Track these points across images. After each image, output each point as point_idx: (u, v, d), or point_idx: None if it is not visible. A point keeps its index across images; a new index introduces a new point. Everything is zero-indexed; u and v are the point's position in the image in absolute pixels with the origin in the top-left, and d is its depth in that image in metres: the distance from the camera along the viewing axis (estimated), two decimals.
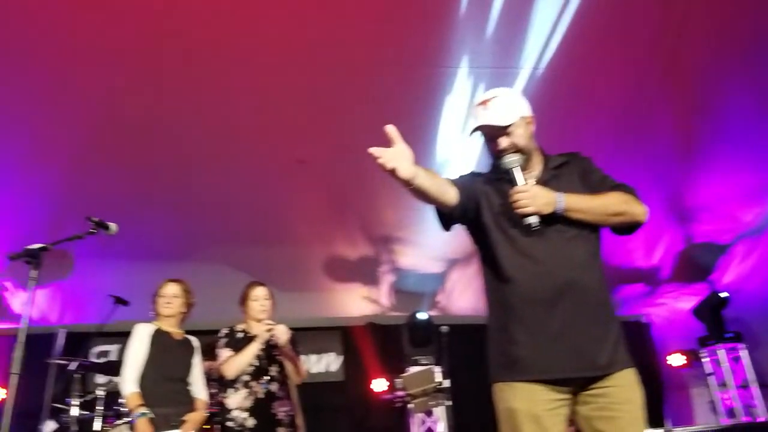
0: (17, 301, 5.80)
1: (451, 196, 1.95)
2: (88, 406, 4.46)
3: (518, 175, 1.99)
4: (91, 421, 4.44)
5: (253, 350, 3.44)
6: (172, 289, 3.64)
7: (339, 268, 6.88)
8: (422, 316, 6.66)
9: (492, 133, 2.04)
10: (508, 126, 2.02)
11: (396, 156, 1.73)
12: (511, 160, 2.00)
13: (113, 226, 3.34)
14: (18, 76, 4.49)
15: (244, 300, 3.67)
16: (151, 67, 4.54)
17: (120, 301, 4.60)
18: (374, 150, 1.71)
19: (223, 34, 4.39)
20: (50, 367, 4.69)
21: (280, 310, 3.75)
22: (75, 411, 4.45)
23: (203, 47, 4.42)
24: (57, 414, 4.60)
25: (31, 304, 3.03)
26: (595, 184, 2.05)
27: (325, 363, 7.15)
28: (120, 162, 5.26)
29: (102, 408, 4.37)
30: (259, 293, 3.65)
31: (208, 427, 3.78)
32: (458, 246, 6.47)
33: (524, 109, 2.09)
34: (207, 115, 4.96)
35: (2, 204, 5.29)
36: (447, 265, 6.95)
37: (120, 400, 4.18)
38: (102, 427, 4.26)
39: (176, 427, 3.34)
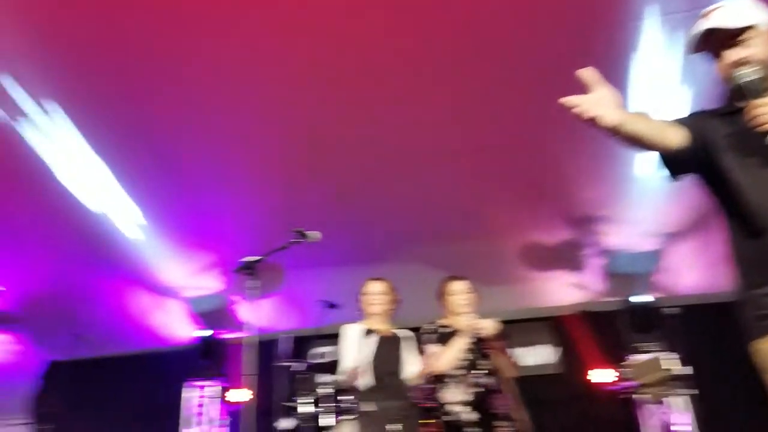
0: (244, 311, 6.47)
1: (675, 138, 1.65)
2: (315, 404, 4.78)
3: (757, 88, 1.58)
4: (317, 417, 4.75)
5: (459, 345, 3.35)
6: (376, 287, 3.71)
7: (540, 257, 6.57)
8: (641, 299, 6.07)
9: (720, 46, 1.67)
10: (741, 33, 1.64)
11: (597, 102, 1.48)
12: (748, 71, 1.59)
13: (314, 234, 3.49)
14: (232, 107, 4.99)
15: (441, 295, 3.62)
16: (339, 82, 4.72)
17: (331, 305, 4.86)
18: (568, 99, 1.48)
19: (394, 39, 4.42)
20: (277, 370, 5.09)
21: (485, 304, 3.63)
22: (304, 409, 4.80)
23: (381, 55, 4.49)
24: (289, 412, 4.99)
25: (254, 312, 3.29)
26: None
27: (539, 355, 6.88)
28: (321, 175, 5.58)
29: (329, 404, 4.63)
30: (459, 287, 3.57)
31: (427, 421, 3.78)
32: (674, 218, 5.79)
33: (764, 18, 1.68)
34: (392, 117, 5.03)
35: (225, 223, 5.94)
36: (663, 241, 6.25)
37: (341, 397, 4.39)
38: (336, 422, 4.50)
39: (396, 422, 3.37)
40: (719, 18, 1.66)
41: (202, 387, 6.43)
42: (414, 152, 5.32)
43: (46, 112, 5.14)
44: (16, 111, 5.10)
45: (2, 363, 7.41)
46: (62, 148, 5.37)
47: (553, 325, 6.88)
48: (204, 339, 6.56)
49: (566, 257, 6.53)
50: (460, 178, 5.59)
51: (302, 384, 4.72)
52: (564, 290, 6.79)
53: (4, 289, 6.66)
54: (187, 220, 6.01)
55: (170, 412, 6.53)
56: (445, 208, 5.84)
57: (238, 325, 6.45)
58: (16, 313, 6.94)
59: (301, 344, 5.53)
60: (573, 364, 6.58)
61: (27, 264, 6.49)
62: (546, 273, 6.71)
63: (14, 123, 5.15)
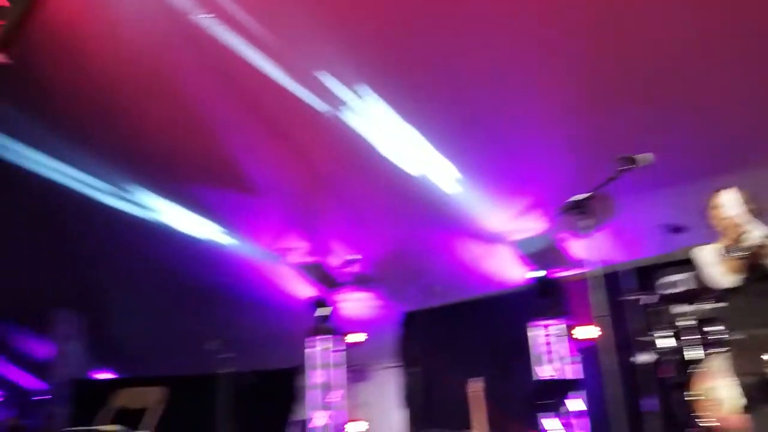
0: (577, 248, 6.29)
1: None
2: (675, 337, 4.40)
3: None
4: (680, 350, 4.36)
5: None
6: (724, 199, 3.16)
7: None
8: None
9: None
10: None
11: None
12: None
13: (645, 157, 3.14)
14: (528, 47, 4.84)
15: None
16: None
17: (675, 228, 4.38)
18: None
19: None
20: (624, 304, 4.82)
21: None
22: (663, 342, 4.45)
23: None
24: (645, 347, 4.70)
25: (589, 248, 3.13)
26: None
27: None
28: (634, 91, 5.04)
29: (693, 336, 4.22)
30: None
31: None
32: None
33: None
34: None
35: (539, 164, 5.81)
36: None
37: (707, 328, 3.95)
38: (705, 355, 4.09)
39: None
40: None
41: (546, 326, 6.52)
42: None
43: (360, 96, 5.70)
44: (336, 102, 5.78)
45: (368, 317, 8.69)
46: (379, 125, 5.91)
47: None
48: (539, 279, 6.62)
49: None
50: None
51: (657, 317, 4.39)
52: None
53: (360, 256, 7.72)
54: (500, 167, 6.07)
55: (519, 352, 6.77)
56: None
57: (571, 263, 6.32)
58: (371, 274, 8.01)
59: (645, 275, 5.11)
60: None
61: (372, 231, 7.40)
62: None
63: (338, 113, 5.84)
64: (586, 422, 5.97)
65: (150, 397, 4.79)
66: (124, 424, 4.68)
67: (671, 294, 4.57)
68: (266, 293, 8.39)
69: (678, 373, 4.33)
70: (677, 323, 4.30)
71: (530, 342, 6.63)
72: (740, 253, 2.90)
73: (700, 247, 3.23)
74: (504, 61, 5.06)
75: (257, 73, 5.58)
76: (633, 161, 3.15)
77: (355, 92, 5.70)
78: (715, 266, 3.08)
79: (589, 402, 6.05)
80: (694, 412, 3.68)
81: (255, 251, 7.86)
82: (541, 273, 6.59)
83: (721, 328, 3.54)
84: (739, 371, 2.95)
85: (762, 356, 2.82)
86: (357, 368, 9.14)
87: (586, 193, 3.20)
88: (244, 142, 6.40)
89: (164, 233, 7.45)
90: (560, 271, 6.53)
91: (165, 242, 7.47)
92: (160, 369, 8.05)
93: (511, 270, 7.01)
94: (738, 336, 3.00)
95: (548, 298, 6.50)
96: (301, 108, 5.81)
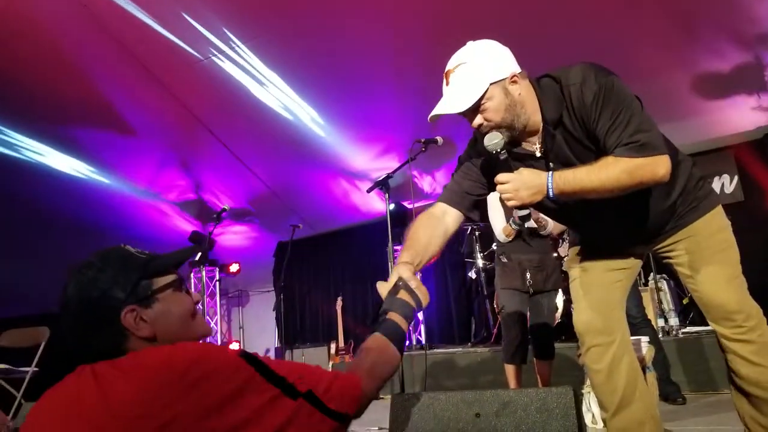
0: (425, 182, 7.30)
1: None
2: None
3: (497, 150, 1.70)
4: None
5: None
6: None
7: (712, 85, 6.23)
8: None
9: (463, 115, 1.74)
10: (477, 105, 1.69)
11: None
12: (488, 141, 1.71)
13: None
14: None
15: None
16: None
17: None
18: None
19: None
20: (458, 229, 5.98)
21: None
22: (481, 262, 5.69)
23: None
24: (472, 265, 5.91)
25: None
26: (603, 144, 1.66)
27: (718, 185, 6.76)
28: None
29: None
30: None
31: None
32: None
33: (491, 74, 1.68)
34: None
35: (396, 109, 6.57)
36: None
37: None
38: None
39: None
40: (447, 104, 1.72)
41: (398, 250, 7.53)
42: None
43: (230, 45, 6.13)
44: (207, 49, 6.17)
45: (246, 247, 9.36)
46: (249, 72, 6.41)
47: (731, 155, 6.67)
48: (394, 210, 7.58)
49: (742, 81, 6.12)
50: (596, 7, 5.37)
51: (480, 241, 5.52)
52: (744, 116, 6.43)
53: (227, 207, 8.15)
54: (359, 114, 6.84)
55: (380, 274, 7.79)
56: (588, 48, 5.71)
57: (421, 195, 7.31)
58: (248, 209, 8.63)
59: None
60: (754, 192, 6.46)
61: (250, 170, 7.92)
62: (720, 101, 6.38)
63: (210, 59, 6.25)
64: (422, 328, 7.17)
65: (35, 335, 4.41)
66: (11, 363, 4.54)
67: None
68: (148, 229, 8.71)
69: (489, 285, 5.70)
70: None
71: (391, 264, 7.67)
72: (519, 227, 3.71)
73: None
74: (361, 16, 5.70)
75: (130, 18, 5.81)
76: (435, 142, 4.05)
77: (225, 41, 6.11)
78: (497, 222, 3.91)
79: (427, 309, 7.28)
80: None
81: (135, 190, 8.12)
82: (394, 205, 7.57)
83: None
84: (504, 285, 3.89)
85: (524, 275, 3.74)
86: (235, 294, 9.88)
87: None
88: (119, 84, 6.60)
89: (39, 174, 7.51)
90: (411, 203, 7.56)
91: (41, 183, 7.53)
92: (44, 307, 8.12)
93: (372, 203, 7.95)
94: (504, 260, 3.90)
95: (401, 226, 7.49)
96: (176, 53, 6.15)
